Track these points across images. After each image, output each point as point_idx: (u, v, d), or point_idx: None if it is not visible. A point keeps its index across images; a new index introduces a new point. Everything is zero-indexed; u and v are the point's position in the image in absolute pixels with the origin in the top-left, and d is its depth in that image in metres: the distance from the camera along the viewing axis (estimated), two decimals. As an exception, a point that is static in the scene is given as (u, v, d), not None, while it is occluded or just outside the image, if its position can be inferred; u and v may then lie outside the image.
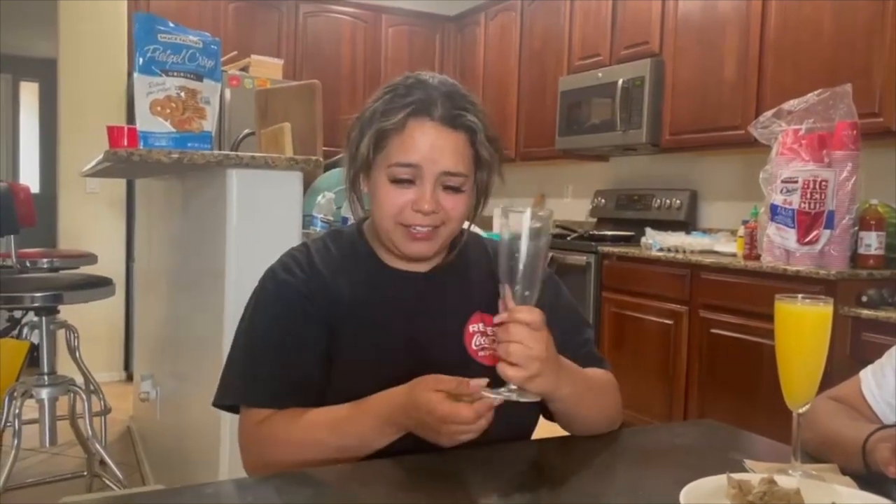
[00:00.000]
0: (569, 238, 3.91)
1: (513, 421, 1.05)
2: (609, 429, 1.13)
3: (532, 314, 0.92)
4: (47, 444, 2.44)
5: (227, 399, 1.09)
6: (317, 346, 1.06)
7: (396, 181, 1.04)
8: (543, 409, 1.15)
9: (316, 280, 1.09)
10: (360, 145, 1.06)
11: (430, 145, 1.03)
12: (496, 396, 0.91)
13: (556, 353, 0.96)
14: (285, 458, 1.00)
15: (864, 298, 2.45)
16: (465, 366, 1.07)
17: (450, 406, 0.91)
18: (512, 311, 0.92)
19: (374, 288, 1.11)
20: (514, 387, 0.92)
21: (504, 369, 0.91)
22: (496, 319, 0.94)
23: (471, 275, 1.15)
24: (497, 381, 0.93)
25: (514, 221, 0.92)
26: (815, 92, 2.67)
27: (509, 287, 0.92)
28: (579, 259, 3.66)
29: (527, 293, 0.92)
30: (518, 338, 0.90)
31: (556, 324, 1.13)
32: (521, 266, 0.91)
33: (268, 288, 1.11)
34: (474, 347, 1.10)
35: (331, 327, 1.07)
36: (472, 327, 1.10)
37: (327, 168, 2.58)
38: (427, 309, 1.11)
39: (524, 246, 0.91)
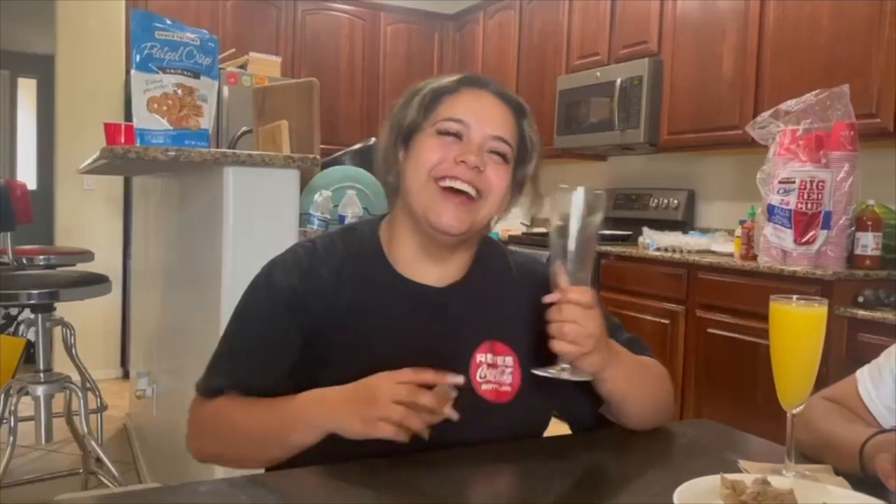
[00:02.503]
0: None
1: (526, 421, 1.06)
2: (662, 421, 1.11)
3: (585, 294, 0.92)
4: (43, 442, 2.44)
5: (199, 388, 1.09)
6: (286, 360, 1.03)
7: (443, 133, 1.01)
8: (563, 413, 1.15)
9: (311, 283, 1.04)
10: (407, 108, 1.05)
11: (482, 109, 1.03)
12: (547, 374, 0.92)
13: (606, 334, 0.96)
14: (206, 436, 1.06)
15: (861, 299, 2.45)
16: (463, 395, 1.00)
17: (413, 375, 0.90)
18: (565, 291, 0.91)
19: (381, 296, 1.05)
20: (566, 365, 0.92)
21: (559, 346, 0.91)
22: (547, 299, 0.93)
23: (488, 296, 1.08)
24: (543, 362, 0.94)
25: (566, 199, 0.91)
26: (813, 92, 2.67)
27: (562, 266, 0.92)
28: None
29: (580, 274, 0.92)
30: (572, 317, 0.90)
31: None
32: (572, 246, 0.90)
33: (260, 285, 1.08)
34: (478, 379, 1.04)
35: (321, 333, 1.02)
36: (479, 357, 1.05)
37: (325, 166, 2.58)
38: (435, 327, 1.05)
39: (575, 225, 0.90)
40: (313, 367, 1.02)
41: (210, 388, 1.06)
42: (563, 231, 0.91)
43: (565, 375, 0.92)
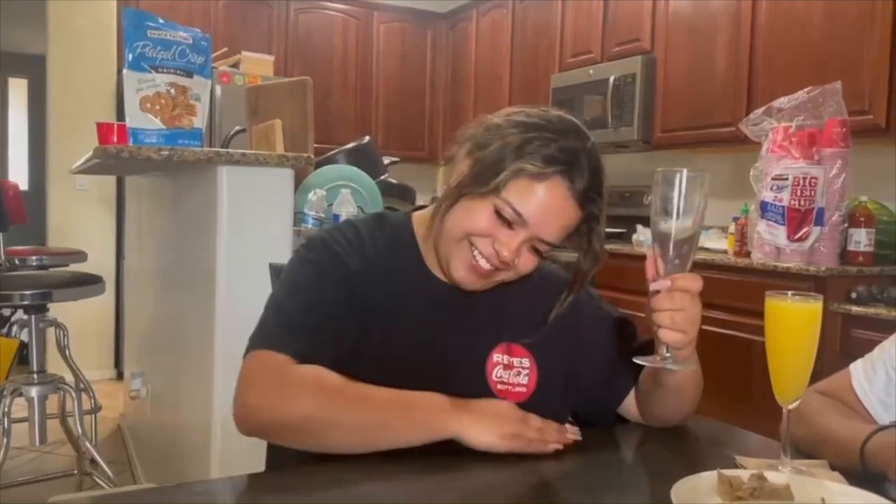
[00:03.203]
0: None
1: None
2: (687, 418, 1.12)
3: (696, 281, 0.91)
4: (37, 443, 2.43)
5: (270, 346, 0.96)
6: (349, 330, 1.01)
7: (499, 215, 0.98)
8: (577, 415, 1.16)
9: (365, 264, 1.04)
10: (494, 173, 0.97)
11: (553, 211, 0.98)
12: (651, 364, 0.93)
13: None
14: (319, 401, 0.91)
15: (854, 295, 2.46)
16: (479, 393, 1.04)
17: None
18: (675, 279, 0.91)
19: (413, 292, 1.07)
20: (668, 355, 0.93)
21: (669, 335, 0.91)
22: (655, 286, 0.92)
23: (506, 300, 1.10)
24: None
25: (669, 182, 0.88)
26: (806, 89, 2.67)
27: (661, 250, 0.91)
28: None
29: (677, 261, 0.91)
30: (682, 305, 0.91)
31: (622, 334, 1.15)
32: (673, 231, 0.89)
33: (318, 251, 1.05)
34: (494, 379, 1.07)
35: (366, 320, 1.03)
36: (495, 356, 1.08)
37: (318, 165, 2.58)
38: (458, 326, 1.08)
39: (676, 209, 0.88)
40: (352, 352, 1.01)
41: (297, 351, 0.95)
42: (665, 215, 0.89)
43: (669, 365, 0.93)
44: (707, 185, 0.89)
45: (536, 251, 1.02)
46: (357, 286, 1.03)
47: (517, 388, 1.08)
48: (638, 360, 0.95)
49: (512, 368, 1.08)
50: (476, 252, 1.00)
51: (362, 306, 1.03)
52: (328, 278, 1.02)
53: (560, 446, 0.94)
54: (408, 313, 1.06)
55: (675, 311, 0.91)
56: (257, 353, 0.97)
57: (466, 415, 0.92)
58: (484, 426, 0.91)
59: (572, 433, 0.98)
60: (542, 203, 0.98)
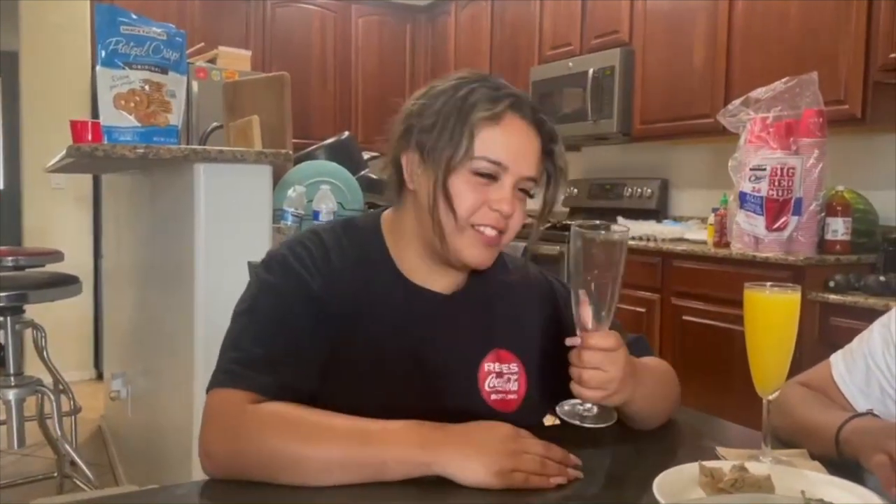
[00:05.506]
0: (541, 228, 3.91)
1: (531, 427, 1.04)
2: (671, 416, 1.12)
3: (607, 339, 0.91)
4: (16, 446, 2.40)
5: (228, 384, 0.92)
6: (316, 355, 0.96)
7: (480, 174, 0.96)
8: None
9: (330, 281, 0.98)
10: (455, 140, 0.95)
11: (520, 145, 0.98)
12: (573, 422, 0.92)
13: (631, 363, 0.95)
14: (276, 442, 0.85)
15: (832, 283, 2.49)
16: (474, 405, 1.01)
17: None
18: (586, 338, 0.91)
19: (390, 302, 1.01)
20: (589, 405, 0.92)
21: (580, 391, 0.91)
22: (568, 342, 0.93)
23: (490, 303, 1.07)
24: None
25: (586, 236, 0.91)
26: (782, 80, 2.69)
27: (585, 299, 0.91)
28: (552, 249, 3.67)
29: (603, 313, 0.92)
30: (594, 364, 0.90)
31: None
32: (594, 282, 0.91)
33: (277, 274, 0.99)
34: (487, 389, 1.04)
35: (335, 336, 0.97)
36: (486, 366, 1.04)
37: (297, 161, 2.56)
38: (443, 335, 1.03)
39: (599, 261, 0.91)
40: (332, 372, 0.98)
41: (258, 386, 0.91)
42: (582, 267, 0.92)
43: (589, 423, 0.92)
44: (626, 238, 0.95)
45: (524, 193, 1.00)
46: (323, 304, 0.97)
47: (510, 396, 1.05)
48: (562, 417, 0.93)
49: (502, 376, 1.05)
50: (481, 227, 0.97)
51: (332, 325, 0.97)
52: (289, 301, 0.97)
53: (564, 481, 0.86)
54: (388, 323, 1.00)
55: (584, 370, 0.91)
56: (215, 393, 0.92)
57: (452, 449, 0.84)
58: (474, 463, 0.83)
59: (573, 467, 0.89)
60: (510, 141, 0.97)
